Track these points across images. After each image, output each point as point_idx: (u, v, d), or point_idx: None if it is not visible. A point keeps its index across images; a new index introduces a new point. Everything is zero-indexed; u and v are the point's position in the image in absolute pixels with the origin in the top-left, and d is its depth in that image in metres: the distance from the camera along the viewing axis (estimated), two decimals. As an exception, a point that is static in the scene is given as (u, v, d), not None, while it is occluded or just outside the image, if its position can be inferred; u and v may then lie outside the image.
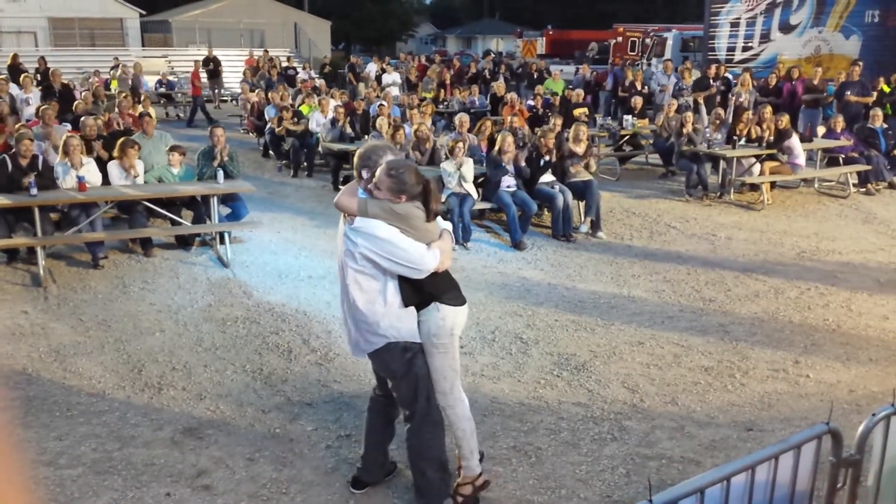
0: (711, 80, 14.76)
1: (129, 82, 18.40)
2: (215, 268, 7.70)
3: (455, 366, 3.68)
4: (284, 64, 22.42)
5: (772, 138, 10.59)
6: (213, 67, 21.81)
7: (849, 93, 13.38)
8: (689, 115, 11.06)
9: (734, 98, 13.93)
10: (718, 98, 14.65)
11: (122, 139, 8.26)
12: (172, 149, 8.42)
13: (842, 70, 14.92)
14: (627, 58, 25.09)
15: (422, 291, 3.50)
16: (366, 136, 11.73)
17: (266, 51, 24.11)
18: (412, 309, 3.54)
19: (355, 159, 3.58)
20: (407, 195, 3.39)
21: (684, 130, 10.72)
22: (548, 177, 8.99)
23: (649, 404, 4.94)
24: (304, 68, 22.81)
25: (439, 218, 3.64)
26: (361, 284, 3.47)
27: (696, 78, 15.15)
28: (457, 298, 3.60)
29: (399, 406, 3.76)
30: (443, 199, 8.44)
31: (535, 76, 18.87)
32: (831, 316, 6.49)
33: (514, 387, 5.19)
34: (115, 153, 8.10)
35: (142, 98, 14.01)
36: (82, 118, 9.38)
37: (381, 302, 3.47)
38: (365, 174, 3.49)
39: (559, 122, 10.32)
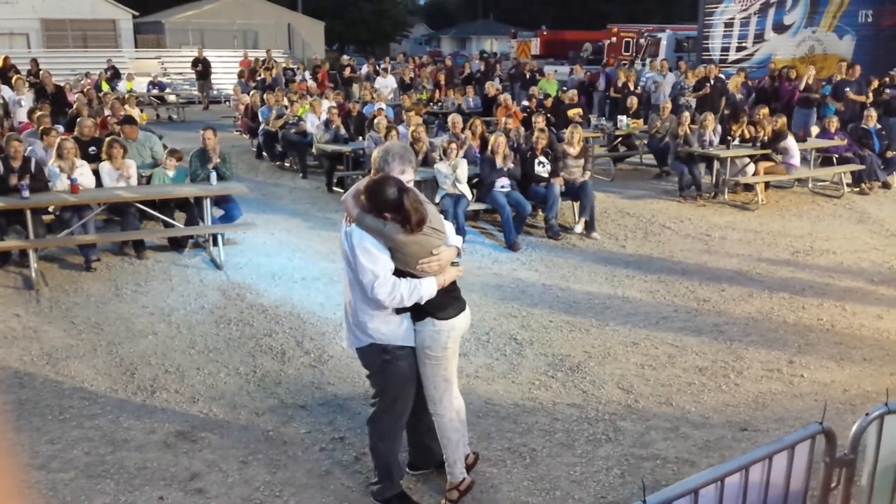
0: (711, 81, 14.67)
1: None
2: (208, 270, 7.67)
3: (448, 377, 3.69)
4: (283, 66, 22.38)
5: (766, 139, 10.60)
6: (202, 69, 21.74)
7: (848, 89, 13.37)
8: (686, 115, 11.05)
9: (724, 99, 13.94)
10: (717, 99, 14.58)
11: (107, 139, 8.25)
12: (171, 153, 8.41)
13: (835, 71, 14.94)
14: (622, 58, 25.10)
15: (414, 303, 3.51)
16: (360, 138, 11.72)
17: (269, 51, 23.99)
18: (404, 315, 3.57)
19: (373, 161, 3.64)
20: (385, 210, 3.39)
21: (680, 131, 10.71)
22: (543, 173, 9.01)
23: (644, 405, 4.94)
24: (299, 68, 22.76)
25: (451, 231, 3.66)
26: (355, 284, 3.55)
27: (698, 80, 15.08)
28: (454, 311, 3.61)
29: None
30: (437, 200, 8.43)
31: (528, 77, 18.83)
32: (825, 315, 6.50)
33: (509, 388, 5.18)
34: (103, 154, 8.09)
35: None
36: (79, 119, 9.34)
37: (371, 304, 3.52)
38: None
39: (541, 120, 10.28)
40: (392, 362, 3.60)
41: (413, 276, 3.47)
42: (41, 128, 8.97)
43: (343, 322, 3.82)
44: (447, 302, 3.59)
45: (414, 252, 3.44)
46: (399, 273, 3.47)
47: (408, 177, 3.57)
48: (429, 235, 3.47)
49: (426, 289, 3.46)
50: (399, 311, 3.54)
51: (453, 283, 3.64)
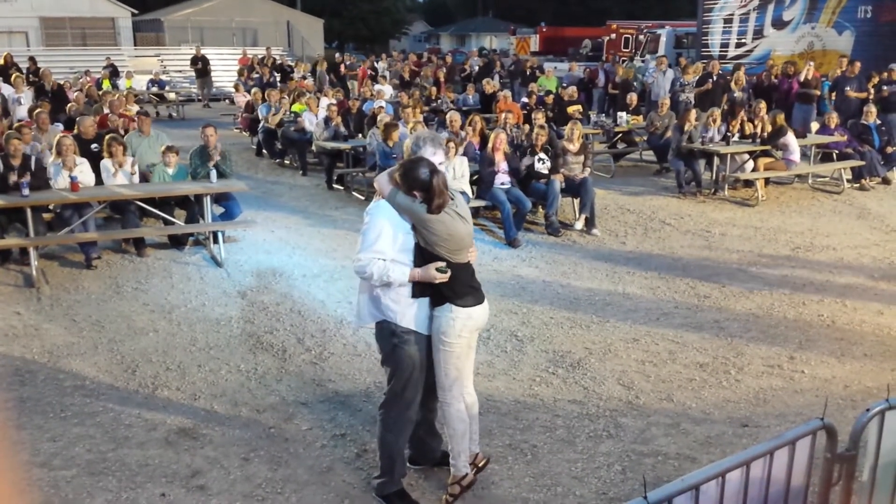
0: (714, 77, 14.61)
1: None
2: (209, 267, 7.67)
3: (460, 365, 3.75)
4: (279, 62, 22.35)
5: (766, 135, 10.60)
6: (201, 66, 21.71)
7: (848, 88, 13.34)
8: (693, 112, 11.02)
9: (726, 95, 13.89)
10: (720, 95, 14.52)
11: (107, 137, 8.26)
12: (168, 149, 8.40)
13: (835, 67, 14.93)
14: (620, 55, 25.10)
15: (433, 288, 3.63)
16: (360, 135, 11.72)
17: (268, 48, 23.96)
18: (417, 300, 3.66)
19: (405, 149, 3.87)
20: (416, 189, 3.56)
21: (687, 126, 10.68)
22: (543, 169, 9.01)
23: (644, 401, 4.94)
24: (296, 66, 22.73)
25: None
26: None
27: (701, 75, 15.00)
28: (473, 300, 3.71)
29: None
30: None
31: (528, 73, 18.82)
32: (826, 311, 6.50)
33: (510, 384, 5.18)
34: (104, 152, 8.09)
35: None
36: (78, 118, 9.34)
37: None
38: None
39: (541, 116, 10.27)
40: (400, 346, 3.66)
41: (433, 253, 3.59)
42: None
43: (354, 301, 3.90)
44: (467, 291, 3.70)
45: (438, 230, 3.57)
46: (421, 251, 3.61)
47: (439, 158, 3.71)
48: (454, 218, 3.61)
49: (396, 274, 3.56)
50: (414, 294, 3.63)
51: (473, 276, 3.77)
